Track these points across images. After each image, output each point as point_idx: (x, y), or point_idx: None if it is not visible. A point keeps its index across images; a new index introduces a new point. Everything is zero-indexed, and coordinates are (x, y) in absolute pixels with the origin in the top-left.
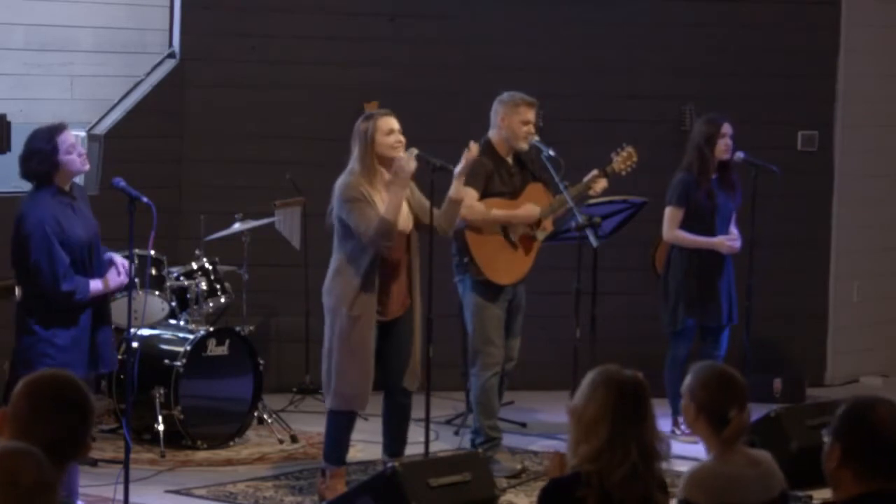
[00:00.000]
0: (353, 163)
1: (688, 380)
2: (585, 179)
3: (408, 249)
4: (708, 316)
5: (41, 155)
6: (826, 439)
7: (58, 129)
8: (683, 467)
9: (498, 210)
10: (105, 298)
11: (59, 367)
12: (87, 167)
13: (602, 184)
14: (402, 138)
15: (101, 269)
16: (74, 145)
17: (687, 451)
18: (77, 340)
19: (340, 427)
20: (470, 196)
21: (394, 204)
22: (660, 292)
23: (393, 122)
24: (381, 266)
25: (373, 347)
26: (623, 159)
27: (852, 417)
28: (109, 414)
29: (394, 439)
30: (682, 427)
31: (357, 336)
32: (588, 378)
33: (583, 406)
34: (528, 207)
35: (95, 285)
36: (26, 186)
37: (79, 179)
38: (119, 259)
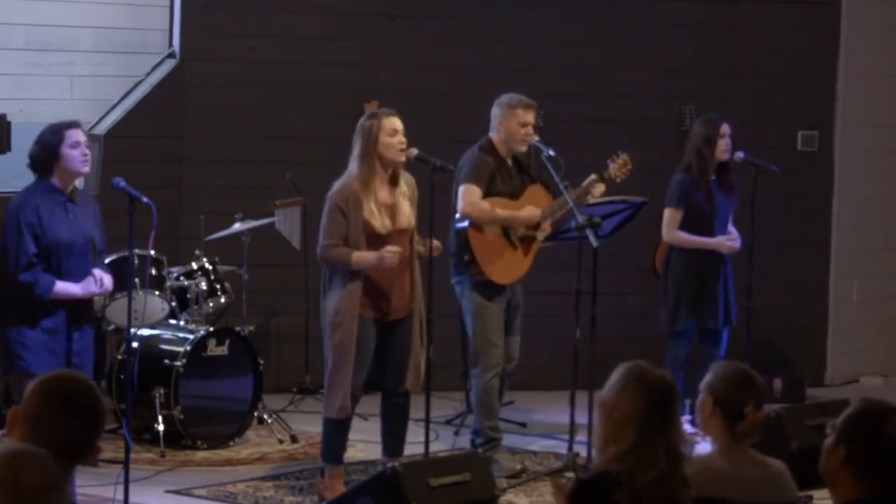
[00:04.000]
0: (352, 163)
1: (708, 376)
2: (584, 184)
3: (410, 249)
4: (707, 317)
5: (45, 144)
6: (829, 438)
7: (69, 124)
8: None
9: (501, 210)
10: (86, 308)
11: (31, 370)
12: (87, 169)
13: (600, 188)
14: (404, 140)
15: (78, 277)
16: (80, 143)
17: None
18: (46, 344)
19: (333, 429)
20: (474, 194)
21: (365, 262)
22: (659, 293)
23: (397, 123)
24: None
25: (353, 353)
26: (619, 166)
27: (862, 423)
28: (110, 414)
29: (392, 439)
30: (686, 426)
31: (336, 343)
32: (619, 373)
33: (613, 403)
34: (530, 209)
35: (65, 287)
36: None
37: (79, 183)
38: (99, 273)
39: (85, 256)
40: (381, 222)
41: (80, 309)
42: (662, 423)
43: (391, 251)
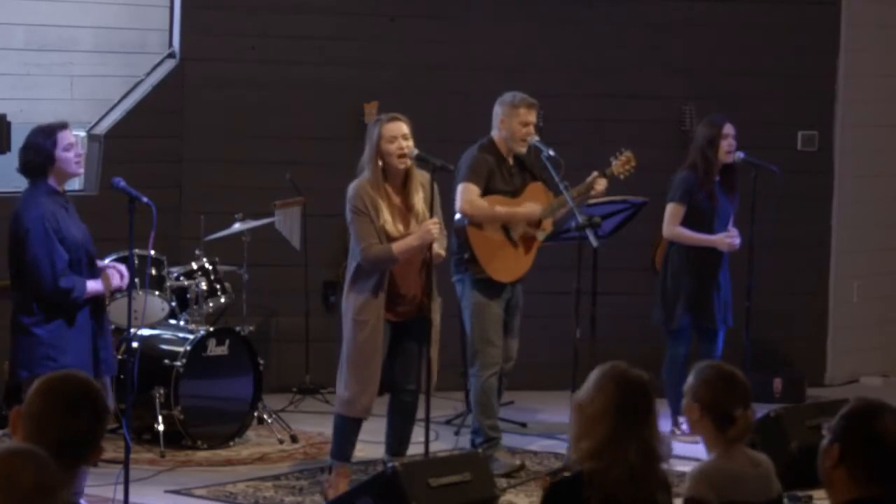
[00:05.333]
0: (363, 165)
1: (690, 380)
2: (587, 181)
3: (423, 250)
4: (703, 316)
5: (39, 148)
6: (825, 436)
7: (59, 126)
8: (683, 467)
9: (500, 207)
10: (102, 302)
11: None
12: (82, 171)
13: (602, 184)
14: (404, 145)
15: (94, 273)
16: (73, 144)
17: (687, 452)
18: (78, 343)
19: (344, 428)
20: (472, 192)
21: (409, 247)
22: (657, 290)
23: (396, 129)
24: (396, 267)
25: (380, 353)
26: (622, 163)
27: (856, 421)
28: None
29: (397, 438)
30: (683, 427)
31: (361, 341)
32: (596, 373)
33: (587, 401)
34: (530, 206)
35: (93, 286)
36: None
37: (80, 182)
38: (119, 266)
39: (92, 254)
40: (394, 228)
41: (97, 303)
42: (635, 421)
43: (432, 222)
